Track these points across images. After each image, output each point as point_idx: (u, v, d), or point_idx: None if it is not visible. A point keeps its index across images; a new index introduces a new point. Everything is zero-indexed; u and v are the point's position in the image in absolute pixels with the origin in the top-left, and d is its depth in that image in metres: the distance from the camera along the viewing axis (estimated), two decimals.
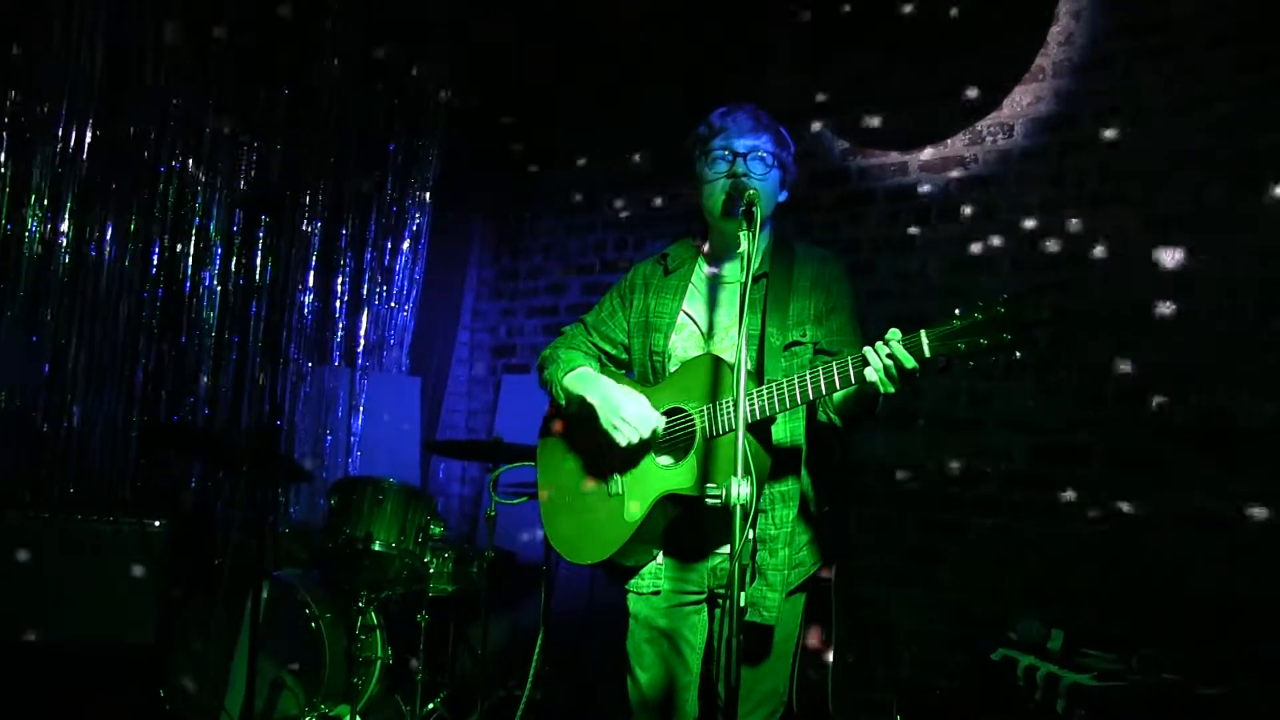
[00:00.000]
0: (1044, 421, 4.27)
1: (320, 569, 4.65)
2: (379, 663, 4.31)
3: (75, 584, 4.36)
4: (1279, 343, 3.77)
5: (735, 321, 2.44)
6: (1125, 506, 4.03)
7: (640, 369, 2.94)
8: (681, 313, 2.87)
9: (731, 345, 2.65)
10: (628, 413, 2.71)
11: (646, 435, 2.69)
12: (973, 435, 4.44)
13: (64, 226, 4.84)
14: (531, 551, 5.60)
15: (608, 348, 3.02)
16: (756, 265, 2.65)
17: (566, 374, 2.90)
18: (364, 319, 6.09)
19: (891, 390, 2.36)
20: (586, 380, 2.86)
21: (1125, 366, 4.08)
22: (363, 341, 6.08)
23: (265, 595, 4.14)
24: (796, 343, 2.75)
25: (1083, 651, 3.53)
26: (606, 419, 2.74)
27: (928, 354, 2.31)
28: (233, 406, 5.40)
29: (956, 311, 2.30)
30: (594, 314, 3.07)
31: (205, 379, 5.30)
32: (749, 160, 2.74)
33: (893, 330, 2.35)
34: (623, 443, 2.70)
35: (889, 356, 2.33)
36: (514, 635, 5.09)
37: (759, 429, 2.61)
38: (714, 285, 2.87)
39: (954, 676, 4.21)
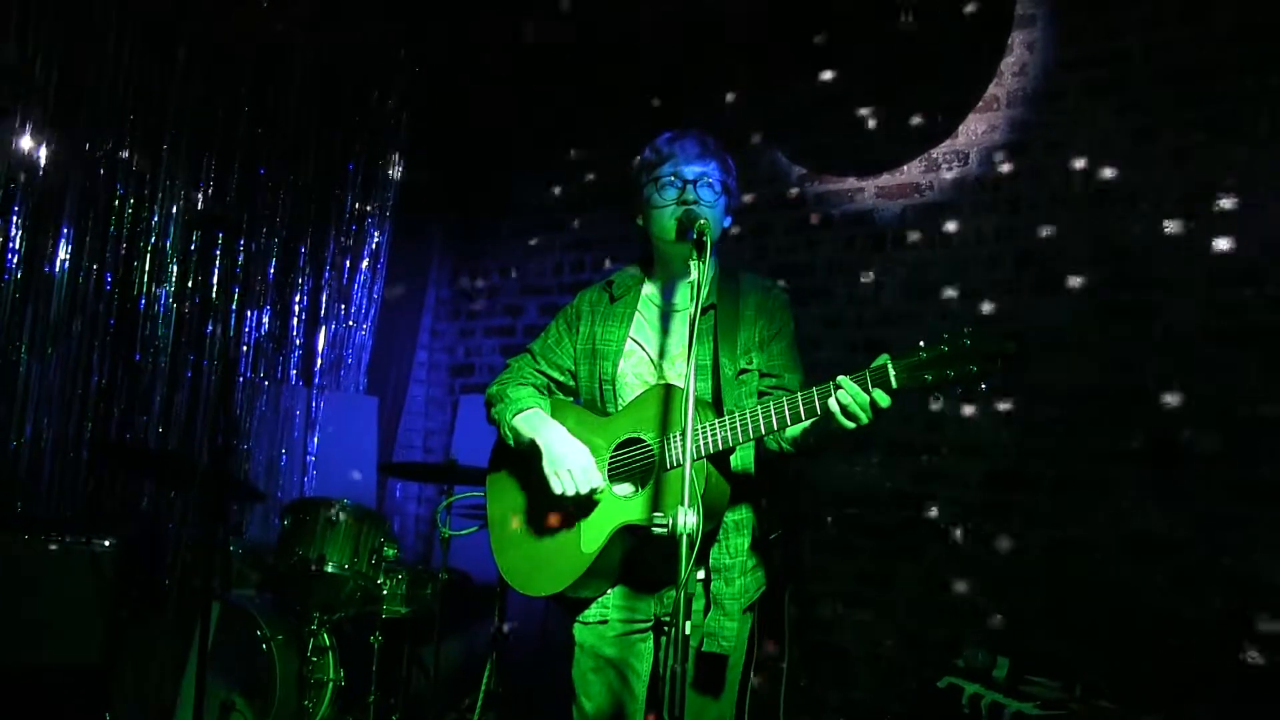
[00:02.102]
0: (996, 448, 4.31)
1: (272, 590, 4.62)
2: (331, 685, 4.27)
3: (21, 604, 4.28)
4: (1224, 371, 3.83)
5: (684, 349, 2.45)
6: (1074, 532, 4.07)
7: (588, 395, 2.93)
8: (629, 339, 2.87)
9: (681, 373, 2.66)
10: (570, 464, 2.70)
11: (584, 491, 2.67)
12: (927, 460, 4.47)
13: (16, 242, 4.80)
14: (486, 574, 5.56)
15: (555, 374, 3.00)
16: (705, 294, 2.65)
17: (515, 415, 2.87)
18: (321, 337, 6.06)
19: (864, 422, 2.36)
20: (535, 423, 2.83)
21: (1075, 394, 4.13)
22: (320, 360, 6.06)
23: (215, 616, 4.10)
24: (744, 370, 2.76)
25: (1027, 679, 3.56)
26: (549, 466, 2.72)
27: (894, 385, 2.31)
28: (186, 425, 5.35)
29: (921, 343, 2.30)
30: (540, 342, 3.05)
31: (159, 397, 5.26)
32: (698, 187, 2.73)
33: (882, 356, 2.36)
34: (558, 491, 2.69)
35: (845, 394, 2.33)
36: (468, 657, 5.07)
37: (720, 459, 2.60)
38: (661, 312, 2.88)
39: (904, 701, 4.23)
